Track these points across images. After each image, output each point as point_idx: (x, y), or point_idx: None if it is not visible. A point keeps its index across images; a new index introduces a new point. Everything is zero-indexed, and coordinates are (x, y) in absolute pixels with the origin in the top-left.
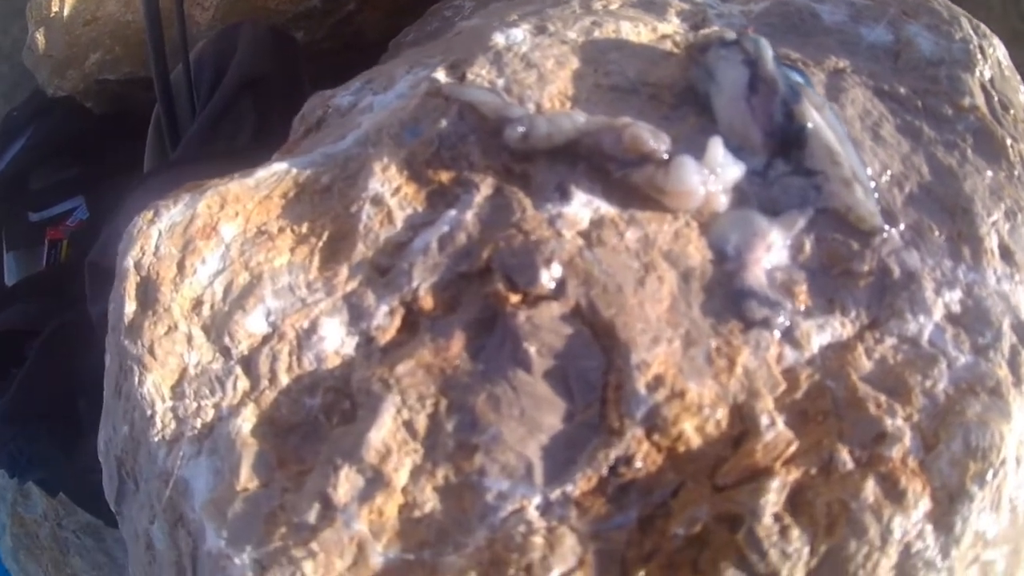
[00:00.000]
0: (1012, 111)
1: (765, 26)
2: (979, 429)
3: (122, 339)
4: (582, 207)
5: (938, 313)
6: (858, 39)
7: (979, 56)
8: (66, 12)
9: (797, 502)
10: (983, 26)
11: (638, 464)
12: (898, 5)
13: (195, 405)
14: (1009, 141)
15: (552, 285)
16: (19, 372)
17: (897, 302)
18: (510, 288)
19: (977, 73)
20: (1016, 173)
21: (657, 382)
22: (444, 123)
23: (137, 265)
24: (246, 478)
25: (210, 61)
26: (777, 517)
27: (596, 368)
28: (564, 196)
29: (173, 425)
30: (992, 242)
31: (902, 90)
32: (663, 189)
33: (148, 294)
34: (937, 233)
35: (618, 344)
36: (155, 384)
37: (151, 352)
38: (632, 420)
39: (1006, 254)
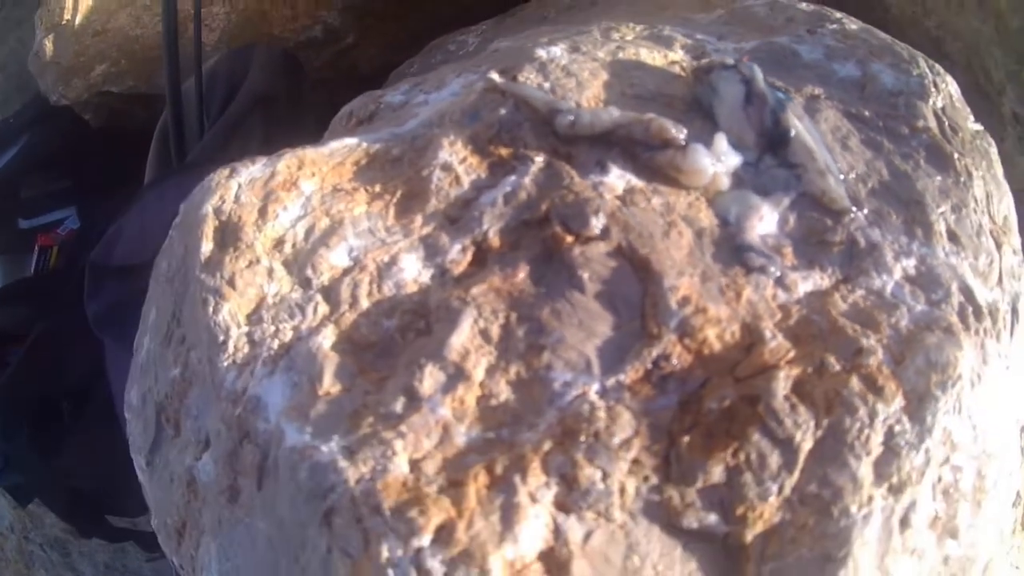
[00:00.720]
0: (960, 134)
1: (755, 60)
2: (937, 351)
3: (198, 274)
4: (617, 178)
5: (897, 274)
6: (831, 73)
7: (933, 89)
8: (77, 21)
9: (800, 391)
10: (938, 66)
11: (674, 360)
12: (865, 47)
13: (272, 328)
14: (956, 156)
15: (599, 229)
16: (2, 375)
17: (864, 264)
18: (565, 231)
19: (931, 102)
20: (962, 180)
21: (685, 300)
22: (503, 111)
23: (217, 211)
24: (329, 383)
25: (223, 78)
26: (787, 398)
27: (636, 292)
28: (603, 169)
29: (246, 349)
30: (941, 227)
31: (867, 113)
32: (681, 168)
33: (228, 235)
34: (895, 217)
35: (652, 274)
36: (231, 312)
37: (230, 283)
38: (667, 328)
39: (953, 237)
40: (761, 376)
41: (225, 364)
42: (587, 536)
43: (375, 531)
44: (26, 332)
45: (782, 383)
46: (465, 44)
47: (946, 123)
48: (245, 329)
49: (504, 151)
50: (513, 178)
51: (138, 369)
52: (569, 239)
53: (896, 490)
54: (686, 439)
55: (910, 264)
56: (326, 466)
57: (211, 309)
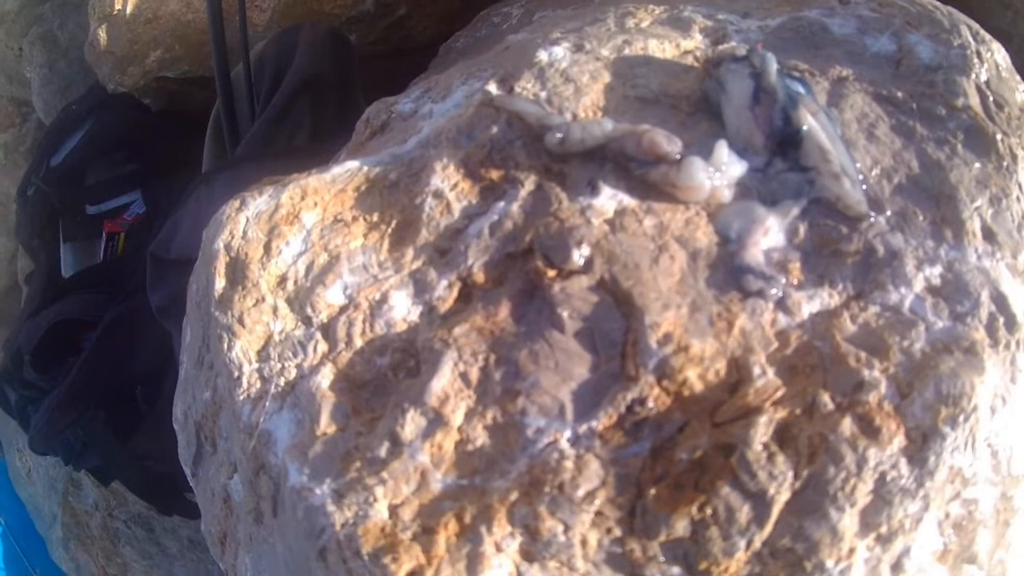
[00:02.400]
0: (1007, 109)
1: (779, 40)
2: (951, 379)
3: (212, 310)
4: (608, 199)
5: (919, 285)
6: (863, 49)
7: (976, 60)
8: (128, 10)
9: (784, 436)
10: (983, 32)
11: (650, 404)
12: (903, 16)
13: (279, 366)
14: (1000, 136)
15: (581, 262)
16: (76, 361)
17: (880, 277)
18: (547, 265)
19: (973, 76)
20: (1005, 164)
21: (666, 339)
22: (495, 129)
23: (227, 247)
24: (325, 424)
25: (271, 61)
26: (765, 446)
27: (618, 329)
28: (594, 190)
29: (258, 384)
30: (975, 224)
31: (899, 94)
32: (675, 184)
33: (237, 272)
34: (921, 218)
35: (635, 309)
36: (243, 349)
37: (240, 321)
38: (645, 369)
39: (988, 235)
40: (741, 421)
41: (241, 398)
42: None
43: (357, 572)
44: (98, 318)
45: (762, 429)
46: (509, 16)
47: (990, 98)
48: (256, 365)
49: (495, 174)
50: (501, 204)
51: (180, 386)
52: (551, 274)
53: (885, 539)
54: (653, 491)
55: (935, 272)
56: (318, 509)
57: (226, 345)
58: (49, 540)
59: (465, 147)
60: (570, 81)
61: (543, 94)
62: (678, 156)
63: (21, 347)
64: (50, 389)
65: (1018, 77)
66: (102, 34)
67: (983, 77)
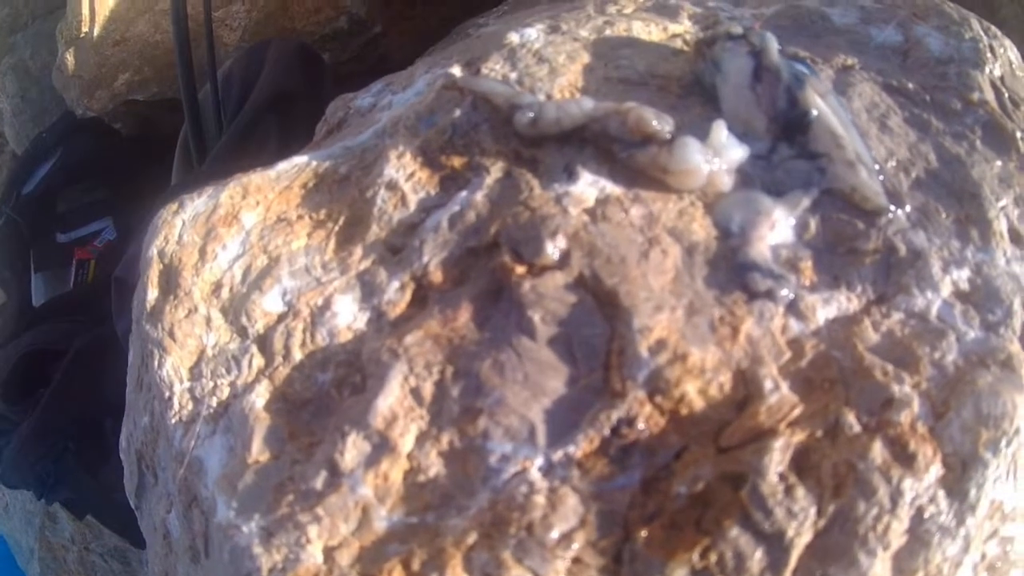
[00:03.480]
0: (1023, 107)
1: (776, 28)
2: (991, 398)
3: (144, 325)
4: (588, 186)
5: (946, 290)
6: (867, 39)
7: (989, 55)
8: (96, 32)
9: (803, 464)
10: (994, 28)
11: (640, 425)
12: (908, 8)
13: (211, 384)
14: (1019, 134)
15: (556, 256)
16: (46, 392)
17: (904, 279)
18: (516, 260)
19: (987, 70)
20: None
21: (659, 346)
22: (458, 112)
23: (160, 254)
24: (257, 451)
25: (238, 78)
26: (782, 476)
27: (600, 334)
28: (571, 176)
29: (190, 406)
30: (1001, 225)
31: (910, 85)
32: (667, 168)
33: (170, 280)
34: (944, 215)
35: (620, 311)
36: (174, 366)
37: (171, 335)
38: (634, 382)
39: (1016, 238)
40: (752, 446)
41: (172, 422)
42: None
43: None
44: (68, 347)
45: (777, 456)
46: (485, 27)
47: (1006, 95)
48: (187, 384)
49: (457, 161)
50: (464, 194)
51: (126, 411)
52: (520, 270)
53: None
54: (644, 533)
55: (962, 276)
56: (243, 551)
57: (156, 362)
58: (28, 574)
59: (424, 133)
60: (544, 61)
61: (513, 75)
62: (669, 135)
63: None
64: (20, 421)
65: None
66: (70, 58)
67: (997, 72)
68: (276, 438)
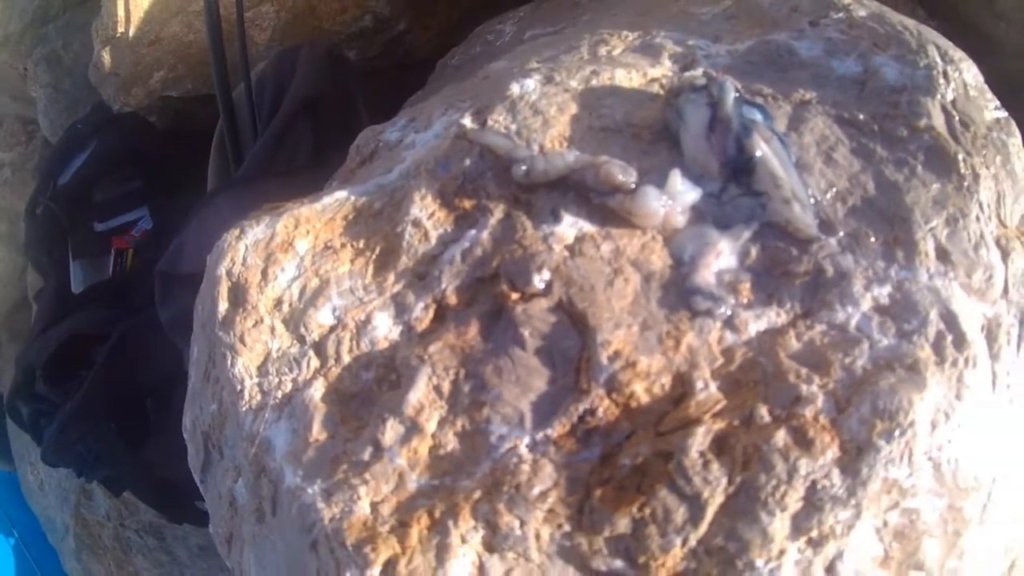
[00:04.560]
0: (972, 128)
1: (747, 64)
2: (888, 395)
3: (216, 331)
4: (569, 227)
5: (866, 305)
6: (829, 72)
7: (942, 80)
8: (131, 32)
9: (721, 446)
10: (952, 52)
11: (599, 414)
12: (870, 38)
13: (277, 380)
14: (962, 156)
15: (542, 286)
16: (88, 375)
17: (828, 296)
18: (511, 288)
19: (938, 96)
20: (966, 184)
21: (616, 355)
22: (468, 162)
23: (228, 273)
24: (317, 432)
25: (271, 81)
26: (702, 454)
27: (573, 346)
28: (556, 218)
29: (258, 397)
30: (928, 245)
31: (861, 116)
32: (631, 212)
33: (238, 296)
34: (873, 239)
35: (588, 328)
36: (244, 365)
37: (241, 340)
38: (596, 383)
39: (942, 255)
40: (681, 431)
41: (243, 410)
42: (507, 573)
43: (343, 561)
44: (109, 332)
45: (699, 439)
46: (502, 34)
47: (956, 118)
48: (256, 380)
49: (468, 203)
50: (473, 232)
51: (188, 398)
52: (514, 296)
53: (816, 543)
54: (599, 492)
55: (883, 292)
56: (309, 507)
57: (229, 363)
58: (62, 551)
59: (441, 178)
60: (539, 113)
61: (513, 126)
62: (633, 185)
63: (33, 362)
64: (62, 403)
65: (989, 95)
66: (106, 56)
67: (949, 97)
68: (331, 422)
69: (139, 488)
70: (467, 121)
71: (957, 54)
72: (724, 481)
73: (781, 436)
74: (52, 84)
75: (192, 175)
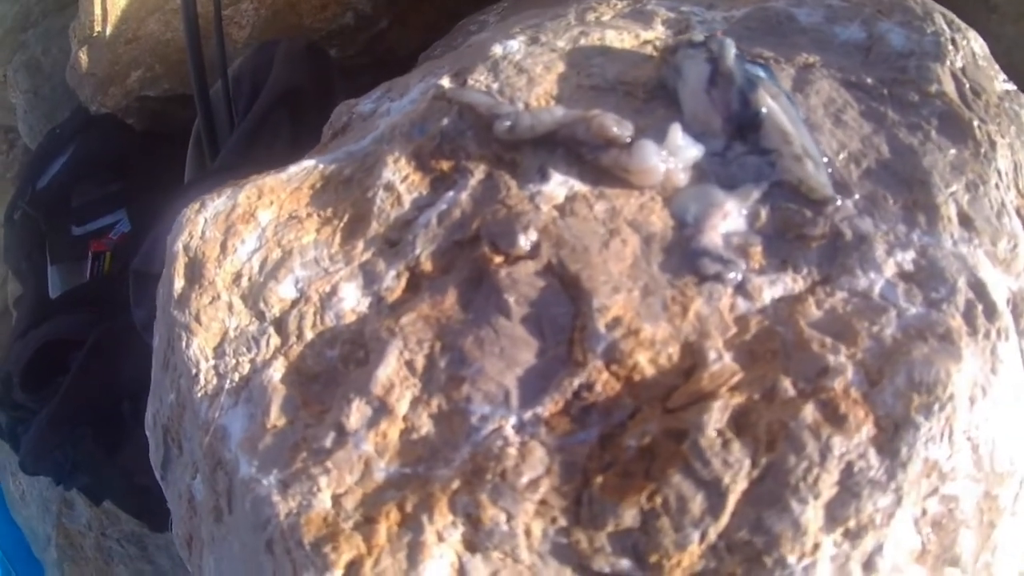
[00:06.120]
0: (984, 97)
1: (744, 29)
2: (924, 366)
3: (171, 310)
4: (558, 185)
5: (889, 271)
6: (831, 37)
7: (950, 47)
8: (108, 31)
9: (740, 423)
10: (958, 21)
11: (598, 389)
12: (873, 5)
13: (234, 362)
14: (976, 123)
15: (528, 247)
16: (64, 380)
17: (848, 261)
18: (494, 251)
19: (948, 63)
20: (983, 151)
21: (615, 322)
22: (446, 121)
23: (186, 248)
24: (275, 417)
25: (248, 76)
26: (720, 432)
27: (565, 313)
28: (544, 177)
29: (215, 381)
30: (950, 209)
31: (869, 80)
32: (627, 168)
33: (195, 271)
34: (892, 202)
35: (583, 293)
36: (200, 346)
37: (197, 319)
38: (593, 354)
39: (965, 221)
40: (694, 407)
41: (199, 395)
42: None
43: (300, 563)
44: (86, 337)
45: (716, 415)
46: (485, 25)
47: (966, 86)
48: (212, 362)
49: (446, 164)
50: (451, 194)
51: (151, 391)
52: (497, 259)
53: (854, 535)
54: (600, 479)
55: (907, 257)
56: (263, 500)
57: (183, 344)
58: (45, 562)
59: (417, 140)
60: (523, 72)
61: (495, 85)
62: (629, 139)
63: (10, 369)
64: (39, 409)
65: (996, 67)
66: (83, 56)
67: (959, 64)
68: (291, 406)
69: (118, 496)
70: (445, 82)
71: (962, 24)
72: (747, 463)
73: (809, 411)
74: (32, 90)
75: (171, 177)
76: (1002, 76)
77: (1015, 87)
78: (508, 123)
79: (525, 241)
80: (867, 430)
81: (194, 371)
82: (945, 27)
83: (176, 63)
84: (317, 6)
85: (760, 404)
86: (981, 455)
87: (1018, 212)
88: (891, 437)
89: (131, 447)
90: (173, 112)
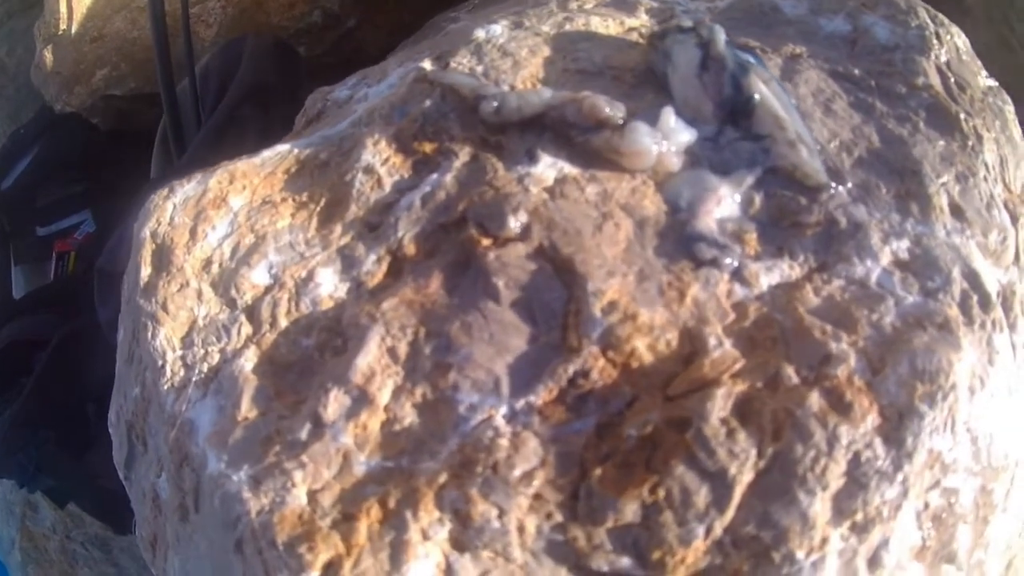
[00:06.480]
0: (968, 91)
1: (728, 20)
2: (926, 354)
3: (137, 299)
4: (548, 167)
5: (885, 259)
6: (817, 29)
7: (935, 41)
8: (74, 30)
9: (744, 411)
10: (942, 16)
11: (594, 376)
12: None
13: (203, 352)
14: (963, 116)
15: (518, 229)
16: (28, 381)
17: (844, 249)
18: (482, 233)
19: (932, 56)
20: (970, 144)
21: (611, 307)
22: (428, 103)
23: (153, 235)
24: (246, 409)
25: (215, 73)
26: (724, 421)
27: (558, 298)
28: (532, 159)
29: (182, 372)
30: (942, 200)
31: (856, 72)
32: (619, 150)
33: (162, 258)
34: (885, 191)
35: (576, 277)
36: (167, 336)
37: (164, 308)
38: (589, 339)
39: (956, 211)
40: (696, 394)
41: (165, 388)
42: None
43: (272, 564)
44: (50, 338)
45: (720, 402)
46: (456, 21)
47: (951, 79)
48: (180, 353)
49: (428, 147)
50: (435, 176)
51: (115, 387)
52: (485, 242)
53: (861, 529)
54: (598, 472)
55: (902, 246)
56: (233, 496)
57: (149, 334)
58: (9, 565)
59: (397, 122)
60: (508, 55)
61: (479, 68)
62: (621, 121)
63: None
64: (2, 411)
65: (979, 63)
66: (48, 55)
67: (943, 58)
68: (264, 397)
69: (82, 499)
70: (426, 64)
71: (945, 19)
72: (753, 453)
73: (815, 399)
74: None
75: (136, 177)
76: (984, 72)
77: (997, 84)
78: (495, 104)
79: (515, 223)
80: (872, 419)
81: (160, 362)
82: (929, 21)
83: (142, 62)
84: (285, 4)
85: (764, 392)
86: (980, 447)
87: (1006, 205)
88: (896, 426)
89: (96, 450)
90: (139, 111)
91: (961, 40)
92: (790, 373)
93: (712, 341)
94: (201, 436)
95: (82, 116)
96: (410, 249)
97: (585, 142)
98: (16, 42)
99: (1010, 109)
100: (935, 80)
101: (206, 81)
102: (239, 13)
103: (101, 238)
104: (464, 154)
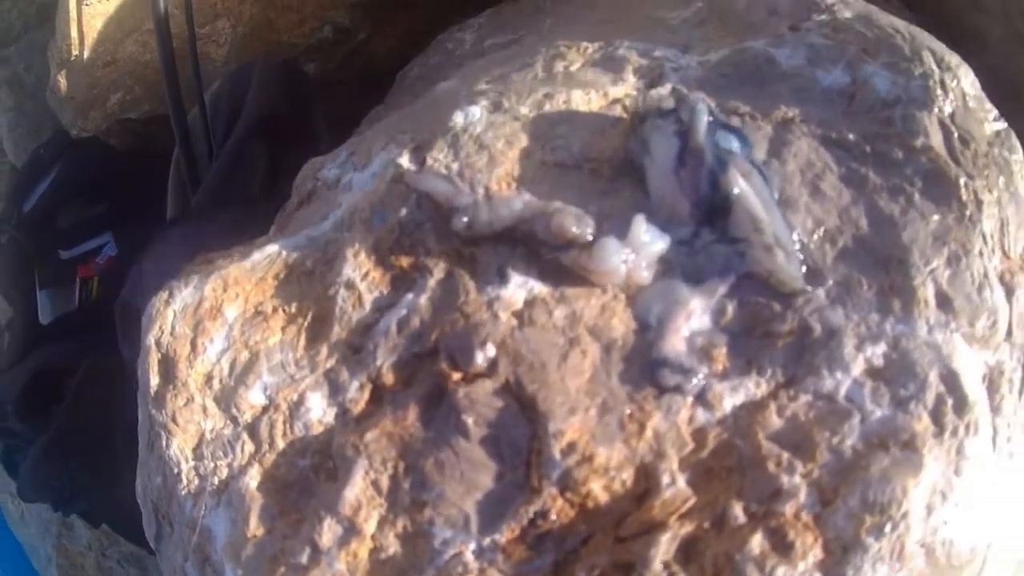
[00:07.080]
0: (973, 145)
1: (721, 76)
2: (880, 484)
3: (150, 408)
4: (518, 288)
5: (857, 369)
6: (813, 84)
7: (939, 91)
8: (86, 55)
9: (690, 552)
10: (948, 56)
11: (552, 517)
12: (858, 43)
13: (212, 465)
14: (963, 180)
15: (486, 365)
16: (59, 410)
17: (815, 360)
18: (452, 367)
19: (935, 110)
20: (968, 213)
21: (570, 448)
22: (404, 211)
23: (158, 343)
24: (254, 526)
25: (225, 101)
26: (666, 565)
27: (523, 435)
28: (503, 279)
29: (196, 481)
30: (927, 292)
31: (851, 136)
32: (588, 269)
33: (168, 370)
34: (866, 287)
35: (539, 415)
36: (179, 447)
37: (173, 420)
38: (549, 481)
39: (943, 302)
40: (643, 538)
41: (183, 493)
42: None
43: None
44: (78, 365)
45: (663, 547)
46: (462, 43)
47: (955, 135)
48: (192, 463)
49: (405, 261)
50: (410, 296)
51: (139, 462)
52: (456, 377)
53: None
54: None
55: (877, 352)
56: None
57: (164, 443)
58: None
59: (376, 230)
60: (484, 148)
61: (455, 165)
62: (590, 238)
63: (3, 399)
64: (34, 438)
65: (988, 104)
66: (62, 80)
67: (947, 110)
68: (268, 515)
69: (115, 522)
70: (404, 160)
71: (953, 59)
72: None
73: (757, 541)
74: (15, 107)
75: (155, 198)
76: (993, 114)
77: (1006, 126)
78: (465, 219)
79: (482, 358)
80: (814, 556)
81: (176, 470)
82: (934, 67)
83: (156, 84)
84: (295, 21)
85: (710, 533)
86: (937, 556)
87: (1001, 279)
88: (838, 560)
89: (126, 482)
90: (155, 133)
91: (968, 82)
92: (737, 512)
93: (665, 479)
94: (219, 544)
95: (99, 137)
96: (388, 378)
97: (555, 259)
98: (34, 57)
99: (1017, 158)
100: (936, 139)
101: (216, 109)
102: (249, 32)
103: (123, 263)
104: (439, 271)
